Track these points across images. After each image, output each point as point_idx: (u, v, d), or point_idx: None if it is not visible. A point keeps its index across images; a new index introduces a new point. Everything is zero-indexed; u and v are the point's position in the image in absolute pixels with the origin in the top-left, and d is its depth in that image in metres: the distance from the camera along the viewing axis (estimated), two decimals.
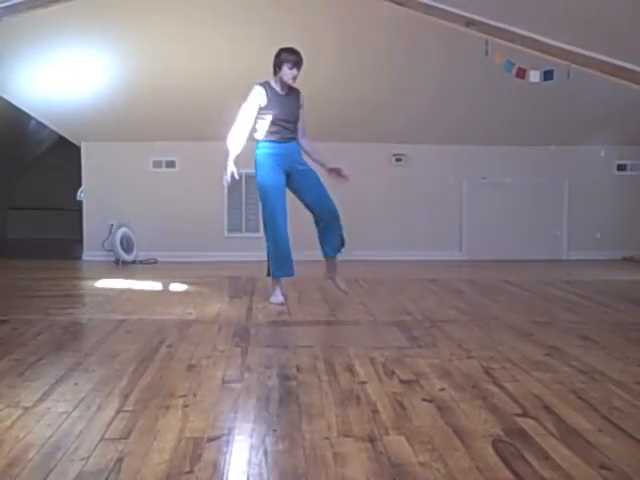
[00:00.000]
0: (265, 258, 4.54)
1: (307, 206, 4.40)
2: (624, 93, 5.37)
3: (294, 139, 4.39)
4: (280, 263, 4.38)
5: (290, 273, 4.40)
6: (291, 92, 4.35)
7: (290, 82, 4.25)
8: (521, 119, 7.09)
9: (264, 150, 4.33)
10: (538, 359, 3.03)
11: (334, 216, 4.37)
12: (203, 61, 6.07)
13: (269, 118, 4.26)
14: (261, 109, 4.26)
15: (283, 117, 4.28)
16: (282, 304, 4.38)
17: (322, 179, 4.39)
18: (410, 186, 7.68)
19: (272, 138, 4.31)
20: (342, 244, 4.48)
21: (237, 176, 4.24)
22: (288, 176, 4.34)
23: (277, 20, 5.55)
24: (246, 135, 4.29)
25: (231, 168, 4.23)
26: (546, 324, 3.88)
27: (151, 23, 5.54)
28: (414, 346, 3.30)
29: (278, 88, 4.31)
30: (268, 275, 4.53)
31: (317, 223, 4.42)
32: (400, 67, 6.28)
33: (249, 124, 4.28)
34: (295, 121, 4.36)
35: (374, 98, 6.66)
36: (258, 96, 4.25)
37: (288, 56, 4.23)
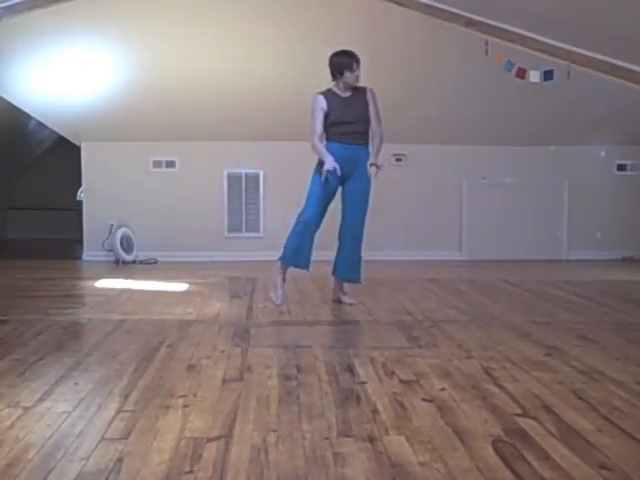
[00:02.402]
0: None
1: (342, 214, 4.39)
2: (624, 93, 5.37)
3: (362, 144, 4.30)
4: (294, 252, 4.31)
5: (303, 265, 4.34)
6: (356, 92, 4.30)
7: (355, 84, 4.27)
8: (521, 119, 7.09)
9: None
10: (538, 359, 3.03)
11: (354, 237, 4.35)
12: (203, 61, 6.07)
13: (332, 121, 4.24)
14: (326, 114, 4.25)
15: (345, 119, 4.23)
16: (279, 305, 4.34)
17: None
18: (410, 186, 7.68)
19: (336, 140, 4.27)
20: (354, 277, 4.43)
21: (339, 172, 4.13)
22: (343, 179, 4.27)
23: (277, 20, 5.55)
24: (322, 141, 4.29)
25: (332, 161, 4.11)
26: (546, 324, 3.88)
27: (151, 23, 5.54)
28: (414, 346, 3.30)
29: (340, 92, 4.29)
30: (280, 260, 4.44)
31: (339, 236, 4.43)
32: (399, 68, 6.28)
33: (321, 131, 4.26)
34: (362, 121, 4.27)
35: None
36: (319, 103, 4.25)
37: (347, 60, 4.22)
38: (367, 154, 4.30)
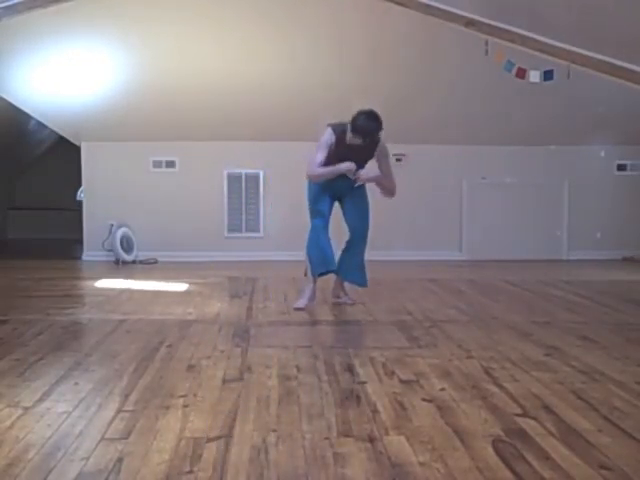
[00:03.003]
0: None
1: (346, 223, 4.39)
2: (624, 93, 5.37)
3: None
4: (319, 259, 4.27)
5: (332, 267, 4.31)
6: (368, 143, 4.09)
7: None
8: (521, 119, 7.09)
9: (318, 184, 4.25)
10: (538, 359, 3.03)
11: (361, 238, 4.34)
12: (203, 61, 6.08)
13: (332, 157, 4.10)
14: (330, 148, 4.14)
15: (346, 159, 4.09)
16: (300, 308, 4.30)
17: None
18: (410, 186, 7.67)
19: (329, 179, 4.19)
20: (359, 278, 4.40)
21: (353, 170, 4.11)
22: (339, 200, 4.36)
23: (278, 20, 5.56)
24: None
25: (347, 164, 4.08)
26: (546, 324, 3.88)
27: (151, 23, 5.54)
28: (414, 346, 3.30)
29: (349, 137, 4.09)
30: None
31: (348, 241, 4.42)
32: (400, 68, 6.28)
33: (322, 163, 4.13)
34: (362, 164, 4.18)
35: (374, 99, 6.65)
36: (329, 139, 4.12)
37: (358, 125, 3.99)
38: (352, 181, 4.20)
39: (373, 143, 4.12)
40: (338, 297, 4.53)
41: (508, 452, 1.93)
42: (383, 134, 4.10)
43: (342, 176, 4.13)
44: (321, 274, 4.30)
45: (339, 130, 4.12)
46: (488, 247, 7.67)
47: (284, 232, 7.40)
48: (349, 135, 4.06)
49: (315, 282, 4.35)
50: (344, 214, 4.40)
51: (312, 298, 4.36)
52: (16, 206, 11.21)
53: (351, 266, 4.39)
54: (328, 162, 4.11)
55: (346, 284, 4.54)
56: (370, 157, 4.22)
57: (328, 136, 4.12)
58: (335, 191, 4.29)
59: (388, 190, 4.34)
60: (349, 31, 5.67)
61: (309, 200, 4.35)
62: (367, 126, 3.98)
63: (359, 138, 4.00)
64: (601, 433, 2.09)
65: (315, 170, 4.12)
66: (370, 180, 4.20)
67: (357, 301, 4.51)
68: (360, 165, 4.15)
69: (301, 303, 4.30)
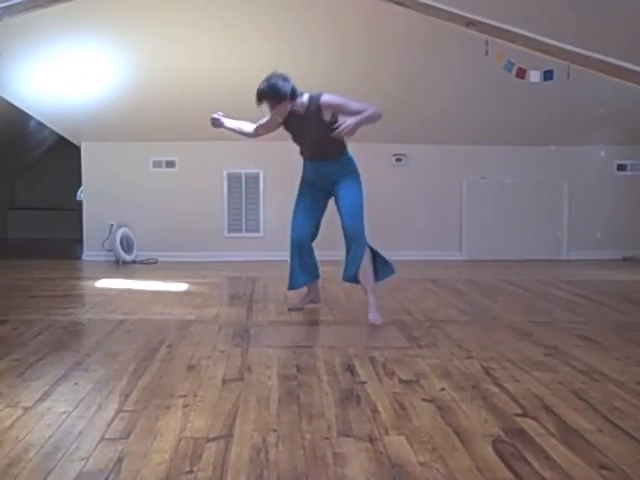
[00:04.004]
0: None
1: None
2: (624, 93, 5.36)
3: (329, 159, 3.95)
4: (291, 271, 4.20)
5: (291, 285, 4.21)
6: (310, 109, 3.86)
7: (279, 119, 3.97)
8: (521, 119, 7.08)
9: (302, 169, 4.15)
10: (538, 359, 3.03)
11: (353, 240, 3.95)
12: (203, 61, 6.07)
13: (292, 139, 4.07)
14: (285, 128, 4.06)
15: (300, 139, 4.01)
16: (292, 308, 4.29)
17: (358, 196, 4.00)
18: (410, 186, 7.68)
19: (303, 158, 4.11)
20: (353, 276, 4.00)
21: (218, 115, 4.14)
22: (329, 193, 4.07)
23: (277, 20, 5.55)
24: (252, 135, 4.23)
25: (218, 120, 4.16)
26: (546, 324, 3.88)
27: (151, 23, 5.54)
28: (414, 346, 3.30)
29: (297, 111, 3.89)
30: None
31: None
32: (399, 68, 6.28)
33: (259, 130, 4.16)
34: (320, 141, 3.87)
35: (373, 99, 6.65)
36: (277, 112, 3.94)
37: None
38: (338, 164, 3.97)
39: (315, 107, 3.81)
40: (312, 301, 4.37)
41: (508, 452, 1.93)
42: (325, 97, 3.83)
43: (320, 175, 4.00)
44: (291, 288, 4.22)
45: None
46: (488, 247, 7.67)
47: (284, 232, 7.36)
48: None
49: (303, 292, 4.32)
50: (337, 206, 4.05)
51: (308, 300, 4.32)
52: (16, 206, 11.21)
53: (347, 267, 4.01)
54: (270, 130, 4.12)
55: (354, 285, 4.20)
56: (322, 120, 3.81)
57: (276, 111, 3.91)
58: (317, 183, 4.05)
59: (375, 119, 3.81)
60: (349, 31, 5.67)
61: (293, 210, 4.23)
62: (261, 89, 3.78)
63: (261, 105, 3.81)
64: (601, 433, 2.09)
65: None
66: (351, 129, 3.67)
67: (356, 301, 4.49)
68: (316, 135, 3.84)
69: (299, 302, 4.33)
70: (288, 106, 3.83)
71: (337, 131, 3.66)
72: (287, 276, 4.20)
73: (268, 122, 4.09)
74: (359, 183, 4.02)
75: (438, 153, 7.69)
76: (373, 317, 3.85)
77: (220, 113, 4.16)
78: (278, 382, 2.65)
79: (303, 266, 4.15)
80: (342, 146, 3.97)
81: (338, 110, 3.81)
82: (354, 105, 3.79)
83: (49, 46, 5.78)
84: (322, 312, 4.26)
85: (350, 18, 5.50)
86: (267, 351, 3.18)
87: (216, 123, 4.16)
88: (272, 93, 3.76)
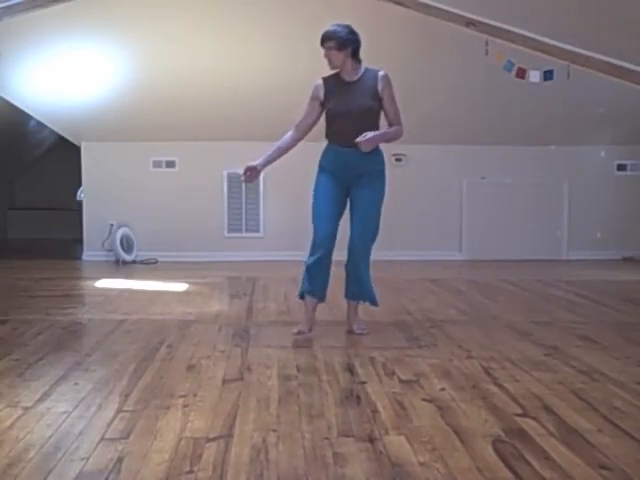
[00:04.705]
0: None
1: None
2: (624, 93, 5.36)
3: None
4: (307, 277, 3.63)
5: (312, 291, 3.63)
6: (365, 77, 3.54)
7: (331, 68, 3.55)
8: (521, 119, 7.08)
9: (325, 155, 3.64)
10: (538, 359, 3.03)
11: (357, 251, 3.60)
12: (203, 61, 6.07)
13: (330, 113, 3.56)
14: (323, 105, 3.58)
15: (341, 110, 3.49)
16: (299, 333, 3.55)
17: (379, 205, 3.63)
18: (410, 186, 7.67)
19: (331, 141, 3.61)
20: (365, 295, 3.67)
21: (255, 178, 3.68)
22: (349, 187, 3.58)
23: (277, 19, 5.55)
24: (299, 135, 3.67)
25: (260, 163, 3.66)
26: (546, 324, 3.88)
27: (151, 23, 5.54)
28: (414, 346, 3.30)
29: (344, 75, 3.54)
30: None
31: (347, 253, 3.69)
32: (400, 68, 6.27)
33: (301, 127, 3.65)
34: (364, 115, 3.48)
35: None
36: (315, 90, 3.60)
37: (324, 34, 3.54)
38: (372, 157, 3.53)
39: (373, 76, 3.54)
40: (350, 325, 3.74)
41: (508, 452, 1.93)
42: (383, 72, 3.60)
43: (343, 167, 3.53)
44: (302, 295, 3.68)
45: (332, 75, 3.61)
46: (488, 247, 7.67)
47: (284, 232, 7.40)
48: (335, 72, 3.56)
49: (305, 301, 3.68)
50: (351, 210, 3.63)
51: (308, 318, 3.64)
52: (16, 206, 11.20)
53: (354, 285, 3.68)
54: (313, 121, 3.63)
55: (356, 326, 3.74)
56: (374, 93, 3.53)
57: (314, 89, 3.61)
58: (340, 175, 3.57)
59: (395, 139, 3.67)
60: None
61: (314, 189, 3.66)
62: (327, 30, 3.55)
63: (324, 48, 3.53)
64: (601, 433, 2.09)
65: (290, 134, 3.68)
66: (372, 143, 3.45)
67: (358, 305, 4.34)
68: (361, 107, 3.50)
69: (298, 328, 3.62)
70: (348, 60, 3.53)
71: (357, 140, 3.40)
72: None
73: (309, 110, 3.62)
74: (384, 192, 3.63)
75: (438, 153, 7.68)
76: (360, 327, 3.66)
77: (252, 164, 3.66)
78: (278, 382, 2.65)
79: (325, 273, 3.62)
80: (377, 129, 3.58)
81: (389, 95, 3.56)
82: (397, 105, 3.64)
83: (49, 46, 5.78)
84: (322, 312, 4.26)
85: (350, 18, 5.48)
86: (267, 351, 3.18)
87: (252, 173, 3.66)
88: (339, 36, 3.51)
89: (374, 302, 3.69)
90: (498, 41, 4.60)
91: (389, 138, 3.61)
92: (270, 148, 3.75)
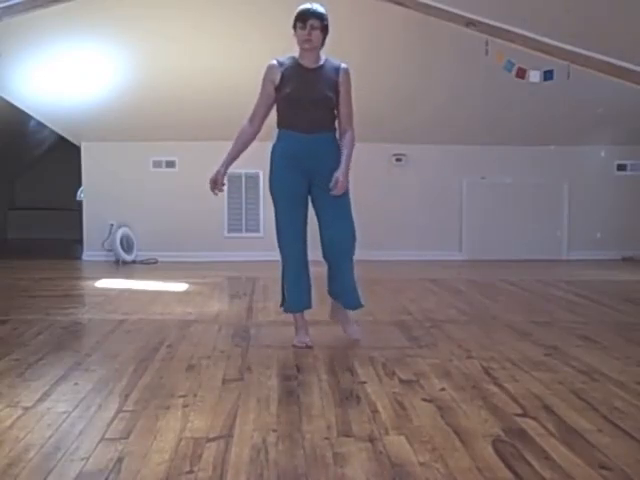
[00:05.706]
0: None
1: (319, 227, 3.38)
2: (624, 93, 5.36)
3: (326, 129, 3.31)
4: (291, 291, 3.38)
5: (301, 305, 3.40)
6: (326, 67, 3.30)
7: (306, 47, 3.23)
8: (521, 119, 7.08)
9: (279, 144, 3.44)
10: (538, 359, 3.03)
11: (342, 252, 3.36)
12: (203, 61, 6.07)
13: (285, 99, 3.26)
14: (277, 89, 3.28)
15: (300, 96, 3.23)
16: (307, 346, 3.26)
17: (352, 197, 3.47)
18: (410, 186, 7.67)
19: (290, 127, 3.32)
20: (355, 301, 3.45)
21: (222, 184, 3.49)
22: (310, 181, 3.36)
23: (277, 19, 5.55)
24: (255, 128, 3.45)
25: (220, 171, 3.48)
26: (546, 324, 3.88)
27: (151, 23, 5.54)
28: (414, 346, 3.30)
29: (305, 61, 3.28)
30: (281, 305, 3.48)
31: (324, 256, 3.37)
32: (399, 68, 6.28)
33: (258, 117, 3.39)
34: (324, 105, 3.27)
35: (374, 99, 6.66)
36: (269, 71, 3.29)
37: (300, 13, 3.21)
38: (333, 142, 3.34)
39: (335, 68, 3.31)
40: (339, 322, 3.58)
41: (508, 452, 1.93)
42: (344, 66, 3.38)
43: (315, 148, 3.28)
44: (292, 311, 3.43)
45: (288, 57, 3.32)
46: (488, 247, 7.67)
47: None
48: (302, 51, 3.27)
49: (296, 316, 3.42)
50: (317, 212, 3.38)
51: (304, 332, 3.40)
52: (16, 206, 11.21)
53: (344, 290, 3.45)
54: (269, 108, 3.35)
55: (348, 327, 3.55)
56: (334, 84, 3.29)
57: (268, 70, 3.30)
58: (299, 165, 3.33)
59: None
60: (349, 31, 5.66)
61: (271, 183, 3.54)
62: (315, 8, 3.23)
63: (301, 25, 3.19)
64: (601, 433, 2.09)
65: (242, 124, 3.41)
66: (345, 181, 3.25)
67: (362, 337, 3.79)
68: (323, 95, 3.26)
69: (300, 340, 3.33)
70: (323, 43, 3.30)
71: (330, 186, 3.19)
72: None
73: (265, 96, 3.34)
74: (348, 180, 3.34)
75: (438, 153, 7.68)
76: (354, 331, 3.47)
77: (213, 176, 3.51)
78: (278, 382, 2.65)
79: (306, 285, 3.42)
80: (334, 120, 3.38)
81: (346, 90, 3.33)
82: (352, 105, 3.39)
83: (49, 46, 5.78)
84: (322, 312, 4.26)
85: (350, 18, 5.50)
86: (267, 351, 3.18)
87: (218, 182, 3.54)
88: (325, 18, 3.25)
89: (360, 305, 3.47)
90: (498, 41, 4.60)
91: (351, 158, 3.35)
92: (228, 149, 3.56)
